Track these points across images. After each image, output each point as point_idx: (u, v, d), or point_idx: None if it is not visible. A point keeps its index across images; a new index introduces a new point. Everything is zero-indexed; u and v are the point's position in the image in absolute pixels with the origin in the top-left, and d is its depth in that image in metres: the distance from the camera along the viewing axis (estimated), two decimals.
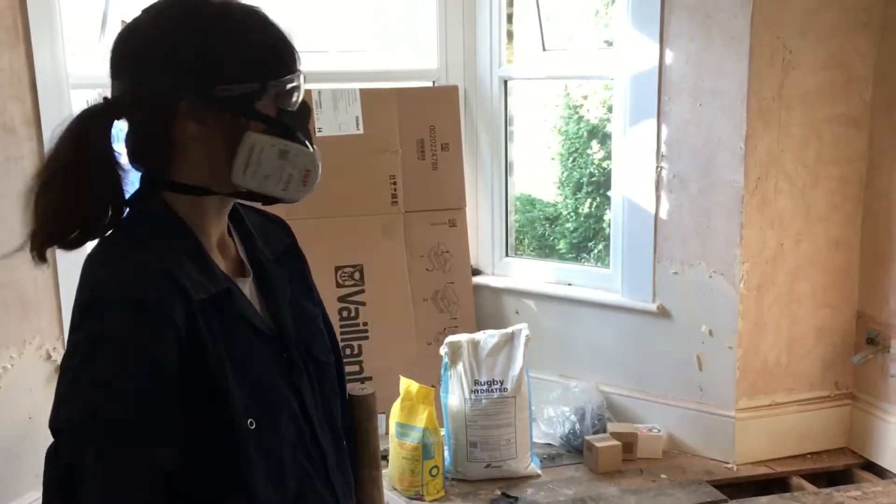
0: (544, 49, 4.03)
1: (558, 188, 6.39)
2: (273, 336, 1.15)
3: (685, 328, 3.42)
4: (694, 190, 3.32)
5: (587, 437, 3.39)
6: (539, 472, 3.29)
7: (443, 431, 3.21)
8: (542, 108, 6.28)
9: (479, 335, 3.33)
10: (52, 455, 1.03)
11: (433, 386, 3.25)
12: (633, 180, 3.48)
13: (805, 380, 3.46)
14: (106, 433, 0.96)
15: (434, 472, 3.08)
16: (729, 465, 3.36)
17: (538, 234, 6.53)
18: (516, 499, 3.10)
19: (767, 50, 3.15)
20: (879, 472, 3.34)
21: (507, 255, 4.00)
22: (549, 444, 3.54)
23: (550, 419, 3.56)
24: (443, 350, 3.27)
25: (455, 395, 3.24)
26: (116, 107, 1.07)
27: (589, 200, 6.07)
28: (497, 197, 3.95)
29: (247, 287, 1.17)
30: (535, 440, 3.40)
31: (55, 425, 1.01)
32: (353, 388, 1.29)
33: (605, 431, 3.45)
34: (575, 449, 3.46)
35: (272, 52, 1.10)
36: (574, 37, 5.38)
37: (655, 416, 3.53)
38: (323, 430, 1.19)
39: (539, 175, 6.46)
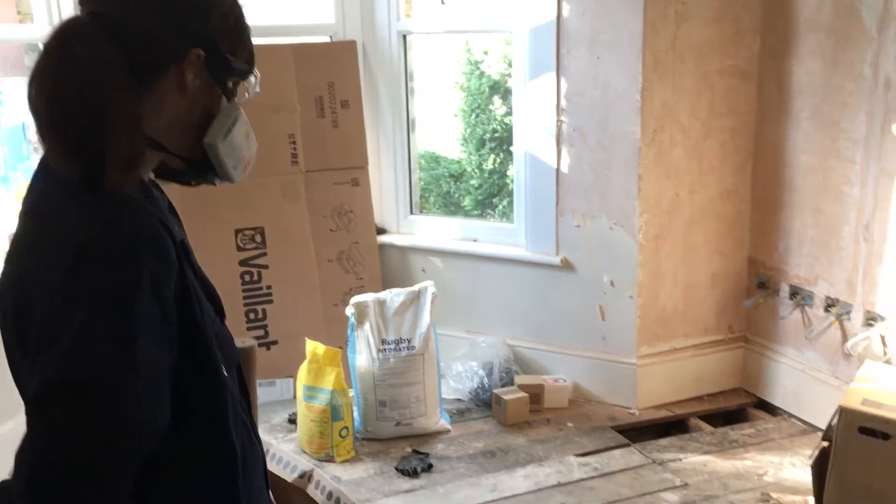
0: (443, 2, 3.99)
1: (462, 145, 6.40)
2: (208, 287, 1.20)
3: (588, 280, 3.49)
4: (593, 143, 3.36)
5: (495, 391, 3.43)
6: (449, 427, 3.32)
7: (351, 392, 3.19)
8: (444, 64, 6.24)
9: (385, 294, 3.31)
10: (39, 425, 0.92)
11: (340, 347, 3.21)
12: (535, 135, 3.49)
13: (701, 325, 3.59)
14: (134, 376, 0.92)
15: (344, 433, 3.07)
16: (631, 411, 3.47)
17: (443, 191, 6.53)
18: (427, 455, 3.12)
19: (661, 2, 3.19)
20: (771, 409, 3.51)
21: (411, 212, 3.98)
22: (459, 399, 3.57)
23: (459, 375, 3.59)
24: (349, 310, 3.24)
25: (363, 356, 3.22)
26: (110, 27, 1.01)
27: (493, 156, 6.10)
28: (400, 154, 3.91)
29: None
30: (444, 396, 3.43)
31: (68, 377, 0.90)
32: (236, 341, 1.32)
33: (512, 384, 3.50)
34: (484, 403, 3.50)
35: (241, 31, 1.17)
36: None
37: (561, 367, 3.61)
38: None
39: (442, 132, 6.45)
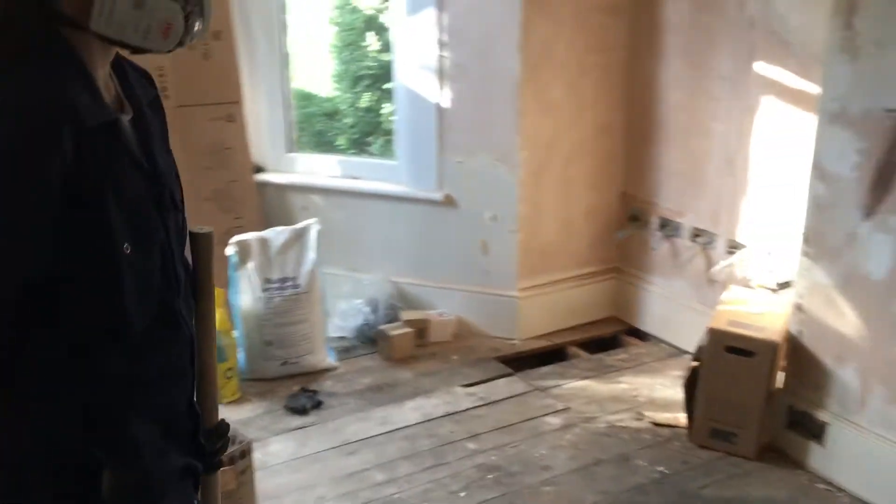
0: None
1: (335, 82, 6.25)
2: (149, 174, 1.17)
3: (470, 216, 3.54)
4: (475, 79, 3.37)
5: (381, 328, 3.46)
6: (336, 364, 3.33)
7: (235, 333, 3.13)
8: None
9: (268, 233, 3.24)
10: None
11: (221, 288, 3.13)
12: (416, 71, 3.47)
13: (577, 257, 3.72)
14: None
15: (229, 374, 3.02)
16: (513, 342, 3.58)
17: (316, 130, 6.39)
18: (316, 392, 3.11)
19: None
20: (642, 335, 3.71)
21: (289, 150, 3.88)
22: (344, 337, 3.57)
23: (344, 313, 3.59)
24: (230, 250, 3.15)
25: (246, 295, 3.15)
26: None
27: (368, 94, 6.00)
28: (275, 90, 3.79)
29: (126, 123, 1.16)
30: (329, 334, 3.42)
31: None
32: (192, 228, 1.33)
33: (397, 321, 3.53)
34: (369, 340, 3.52)
35: None
36: None
37: (445, 301, 3.66)
38: (178, 263, 1.24)
39: (314, 69, 6.28)
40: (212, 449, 1.34)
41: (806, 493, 2.60)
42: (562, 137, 3.51)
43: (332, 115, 6.28)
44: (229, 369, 3.01)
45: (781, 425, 2.78)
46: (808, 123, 2.77)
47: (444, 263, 3.63)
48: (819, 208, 2.59)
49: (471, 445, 2.82)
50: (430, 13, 3.35)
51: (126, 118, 1.17)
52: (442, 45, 3.37)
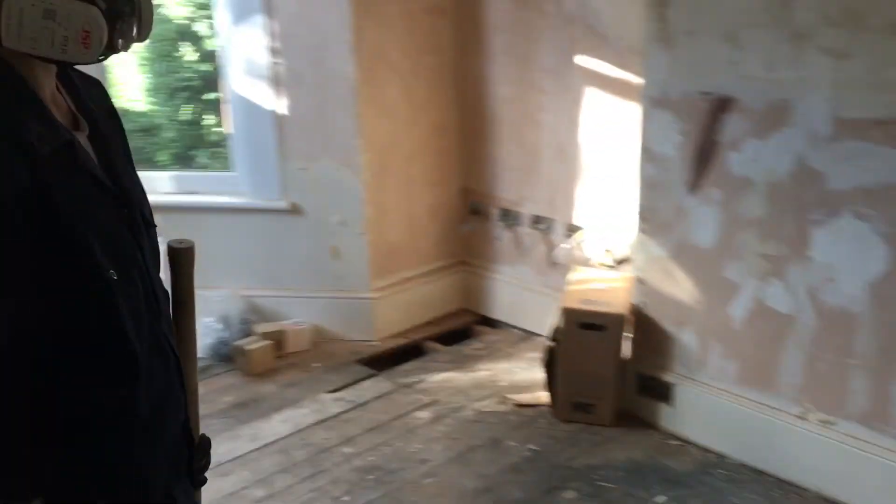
0: None
1: (150, 96, 5.99)
2: (115, 192, 1.10)
3: (317, 222, 3.52)
4: (311, 84, 3.36)
5: (236, 343, 3.37)
6: None
7: None
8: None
9: None
10: None
11: None
12: (248, 79, 3.41)
13: (424, 254, 3.80)
14: None
15: None
16: (372, 343, 3.61)
17: (135, 147, 6.10)
18: None
19: None
20: (493, 323, 3.84)
21: None
22: (198, 357, 3.44)
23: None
24: None
25: None
26: None
27: (188, 107, 5.80)
28: None
29: (83, 141, 1.09)
30: None
31: None
32: (170, 243, 1.26)
33: (252, 334, 3.46)
34: (226, 357, 3.42)
35: None
36: None
37: (299, 310, 3.62)
38: (157, 285, 1.17)
39: (125, 84, 5.99)
40: (197, 466, 1.29)
41: (661, 451, 2.82)
42: (400, 138, 3.57)
43: (148, 130, 6.01)
44: None
45: (633, 391, 2.99)
46: (630, 110, 2.99)
47: (294, 272, 3.59)
48: (650, 187, 2.81)
49: (346, 450, 2.82)
50: (258, 20, 3.30)
51: (82, 135, 1.08)
52: (274, 51, 3.34)
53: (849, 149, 2.30)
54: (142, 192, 1.21)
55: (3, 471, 1.00)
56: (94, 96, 1.18)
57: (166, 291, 1.26)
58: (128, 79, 5.88)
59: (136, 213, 1.14)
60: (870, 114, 2.24)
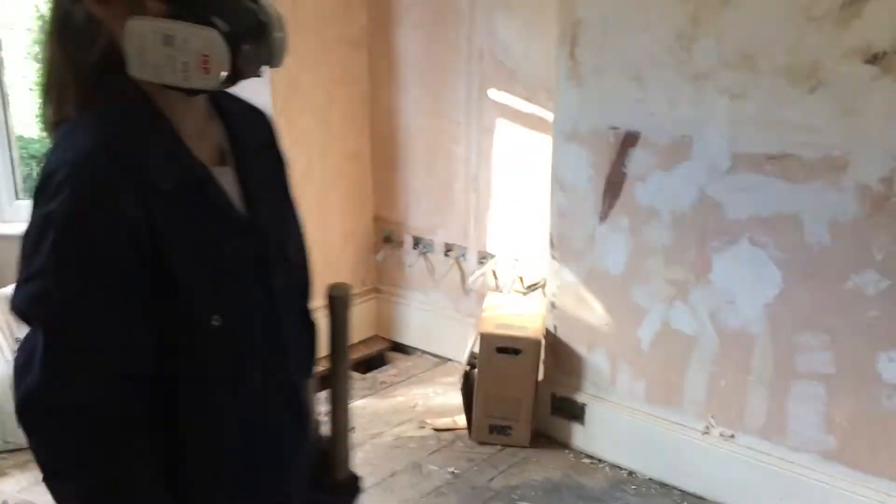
0: None
1: (42, 122, 5.79)
2: (248, 230, 1.06)
3: None
4: None
5: None
6: None
7: None
8: (10, 32, 5.56)
9: (9, 289, 2.94)
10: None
11: None
12: None
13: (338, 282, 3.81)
14: (51, 316, 0.93)
15: None
16: None
17: (24, 174, 5.86)
18: None
19: None
20: (405, 349, 3.89)
21: (17, 196, 3.56)
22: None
23: None
24: None
25: None
26: None
27: None
28: None
29: (226, 176, 1.06)
30: None
31: (14, 304, 0.96)
32: (328, 287, 1.23)
33: None
34: None
35: None
36: None
37: None
38: (288, 326, 1.13)
39: (16, 109, 5.77)
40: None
41: (576, 469, 2.93)
42: (315, 167, 3.59)
43: (40, 157, 5.80)
44: None
45: (548, 412, 3.10)
46: (540, 141, 3.13)
47: None
48: (561, 216, 2.94)
49: None
50: None
51: (224, 170, 1.06)
52: None
53: (745, 181, 2.49)
54: (286, 229, 1.17)
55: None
56: (254, 126, 1.17)
57: (309, 335, 1.24)
58: (21, 103, 5.68)
59: (268, 249, 1.09)
60: (763, 149, 2.43)
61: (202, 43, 0.92)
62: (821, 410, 2.46)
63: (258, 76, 0.99)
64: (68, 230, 0.92)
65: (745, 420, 2.64)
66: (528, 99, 3.25)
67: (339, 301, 1.25)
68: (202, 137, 1.06)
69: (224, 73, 0.94)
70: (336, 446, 1.29)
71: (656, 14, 2.57)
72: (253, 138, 1.15)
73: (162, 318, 0.98)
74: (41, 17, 5.55)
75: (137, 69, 0.95)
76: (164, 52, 0.93)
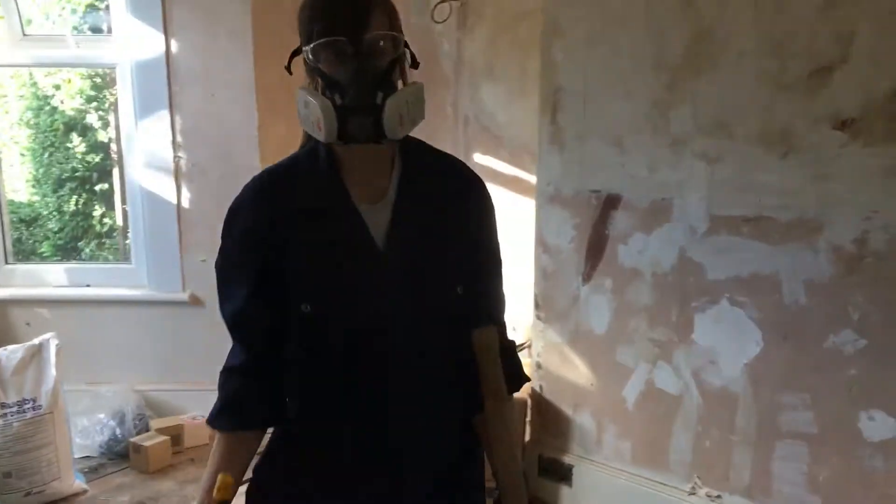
0: (24, 34, 3.67)
1: (34, 186, 5.85)
2: (372, 254, 1.30)
3: (218, 313, 3.49)
4: (215, 177, 3.41)
5: (132, 440, 3.27)
6: (86, 486, 3.08)
7: None
8: (3, 100, 5.66)
9: (10, 348, 2.95)
10: None
11: None
12: (151, 172, 3.42)
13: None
14: (217, 275, 1.38)
15: None
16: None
17: (14, 238, 5.89)
18: None
19: (267, 42, 3.38)
20: None
21: (7, 261, 3.59)
22: (88, 455, 3.32)
23: (85, 430, 3.34)
24: None
25: None
26: None
27: (75, 197, 5.68)
28: None
29: (378, 212, 1.32)
30: (74, 455, 3.17)
31: None
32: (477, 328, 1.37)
33: (148, 430, 3.37)
34: (118, 455, 3.31)
35: (309, 22, 1.27)
36: (55, 23, 4.95)
37: (197, 403, 3.55)
38: (403, 344, 1.32)
39: (7, 173, 5.82)
40: None
41: None
42: None
43: (30, 221, 5.84)
44: None
45: (535, 474, 3.09)
46: (524, 204, 3.19)
47: (193, 364, 3.54)
48: (545, 277, 2.99)
49: None
50: (163, 115, 3.35)
51: (372, 207, 1.31)
52: (177, 145, 3.38)
53: (723, 242, 2.55)
54: (444, 262, 1.35)
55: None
56: (444, 179, 1.39)
57: (435, 360, 1.36)
58: (10, 169, 5.73)
59: (396, 276, 1.31)
60: (740, 212, 2.50)
61: (318, 111, 1.22)
62: (804, 471, 2.48)
63: (377, 143, 1.24)
64: (223, 230, 1.36)
65: (730, 480, 2.65)
66: (512, 163, 3.33)
67: (477, 335, 1.38)
68: (366, 179, 1.33)
69: (333, 134, 1.22)
70: (503, 475, 1.39)
71: (634, 83, 2.66)
72: (431, 188, 1.36)
73: (274, 301, 1.31)
74: (34, 84, 5.66)
75: (301, 122, 1.30)
76: (304, 112, 1.27)
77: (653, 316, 2.74)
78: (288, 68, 1.35)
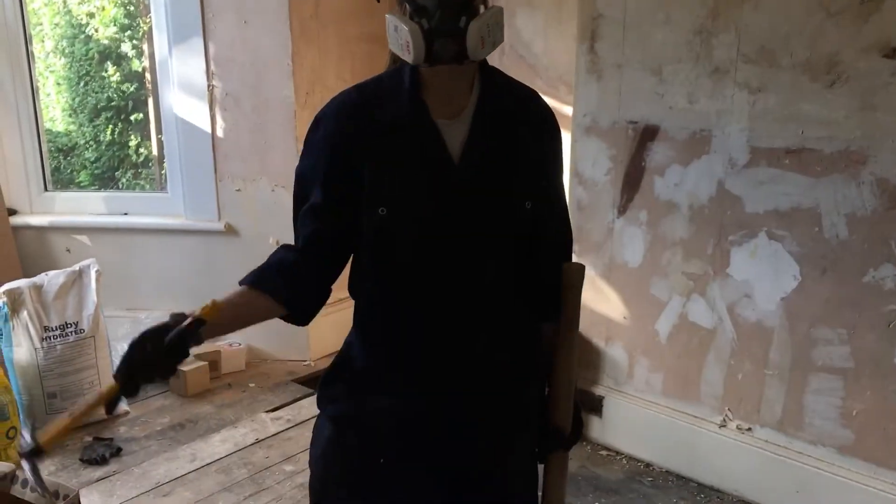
0: None
1: (70, 116, 5.88)
2: (446, 165, 1.37)
3: (253, 243, 3.55)
4: (248, 108, 3.40)
5: None
6: (127, 408, 3.18)
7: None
8: (38, 29, 5.65)
9: (40, 278, 3.02)
10: None
11: None
12: (186, 101, 3.42)
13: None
14: (296, 177, 1.43)
15: (11, 433, 2.77)
16: (307, 363, 3.64)
17: (52, 167, 5.96)
18: (112, 440, 2.96)
19: None
20: None
21: (46, 189, 3.64)
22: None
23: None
24: None
25: (23, 348, 2.92)
26: None
27: (111, 126, 5.71)
28: (26, 126, 3.54)
29: (453, 128, 1.38)
30: None
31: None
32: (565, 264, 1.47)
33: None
34: None
35: None
36: None
37: None
38: (480, 257, 1.39)
39: (43, 102, 5.86)
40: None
41: (593, 461, 2.95)
42: None
43: (68, 150, 5.89)
44: (12, 428, 2.77)
45: None
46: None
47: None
48: (580, 209, 2.96)
49: (288, 467, 2.85)
50: (197, 42, 3.33)
51: (448, 123, 1.37)
52: (211, 74, 3.37)
53: (763, 175, 2.50)
54: (504, 181, 1.40)
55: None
56: (517, 103, 1.44)
57: (501, 272, 1.42)
58: (47, 98, 5.76)
59: (466, 187, 1.37)
60: (781, 143, 2.44)
61: (405, 34, 1.29)
62: (838, 405, 2.47)
63: (459, 63, 1.30)
64: (306, 137, 1.41)
65: (762, 413, 2.65)
66: (548, 93, 3.27)
67: (566, 272, 1.47)
68: (447, 97, 1.38)
69: (421, 56, 1.28)
70: (556, 394, 1.46)
71: (676, 9, 2.58)
72: (507, 109, 1.42)
73: (349, 203, 1.37)
74: (68, 12, 5.65)
75: (390, 45, 1.35)
76: (394, 36, 1.33)
77: (688, 249, 2.71)
78: None
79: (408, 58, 1.31)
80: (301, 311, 1.47)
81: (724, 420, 2.74)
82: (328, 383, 1.56)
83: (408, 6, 1.33)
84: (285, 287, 1.42)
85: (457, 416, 1.43)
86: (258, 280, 1.43)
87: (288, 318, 1.47)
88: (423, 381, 1.43)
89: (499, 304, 1.45)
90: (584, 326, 3.03)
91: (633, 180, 2.80)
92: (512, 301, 1.46)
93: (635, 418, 2.96)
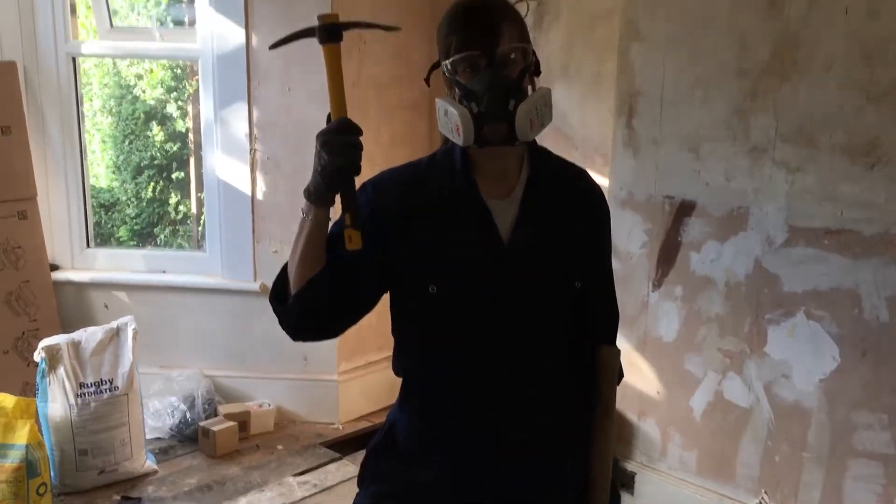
0: (112, 24, 3.79)
1: (114, 173, 6.04)
2: (497, 245, 1.40)
3: None
4: (288, 170, 3.47)
5: (201, 423, 3.36)
6: (156, 467, 3.18)
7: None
8: (87, 88, 5.85)
9: (78, 334, 3.06)
10: None
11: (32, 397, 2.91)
12: (228, 163, 3.50)
13: (390, 338, 3.85)
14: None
15: (42, 490, 2.78)
16: (335, 426, 3.63)
17: (94, 222, 6.10)
18: (139, 499, 2.96)
19: (346, 41, 3.41)
20: None
21: (88, 245, 3.71)
22: (159, 437, 3.42)
23: (157, 412, 3.44)
24: (38, 356, 2.94)
25: (57, 403, 2.94)
26: None
27: (152, 184, 5.85)
28: (73, 183, 3.63)
29: (504, 207, 1.43)
30: (146, 437, 3.27)
31: None
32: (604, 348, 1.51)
33: (216, 415, 3.45)
34: (187, 438, 3.40)
35: (447, 38, 1.40)
36: (140, 14, 5.11)
37: (264, 391, 3.64)
38: (518, 330, 1.41)
39: (90, 160, 6.03)
40: None
41: None
42: None
43: (109, 206, 6.04)
44: (42, 484, 2.78)
45: None
46: None
47: (260, 353, 3.62)
48: (616, 281, 2.95)
49: None
50: (241, 107, 3.42)
51: (498, 202, 1.42)
52: (254, 138, 3.45)
53: (801, 254, 2.48)
54: (561, 259, 1.44)
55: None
56: (566, 182, 1.51)
57: (549, 351, 1.46)
58: (92, 155, 5.92)
59: (510, 265, 1.41)
60: (820, 223, 2.43)
61: (455, 118, 1.34)
62: (878, 491, 2.40)
63: (509, 145, 1.34)
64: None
65: (799, 498, 2.58)
66: (584, 164, 3.28)
67: (601, 353, 1.50)
68: (497, 177, 1.43)
69: (470, 139, 1.33)
70: (594, 475, 1.49)
71: (714, 89, 2.61)
72: (556, 189, 1.47)
73: (401, 280, 1.44)
74: (118, 74, 5.84)
75: (440, 128, 1.41)
76: (444, 120, 1.38)
77: (724, 326, 2.69)
78: (427, 80, 1.49)
79: (458, 141, 1.34)
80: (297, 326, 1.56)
81: (761, 503, 2.67)
82: (372, 461, 1.55)
83: (457, 90, 1.36)
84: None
85: (503, 496, 1.44)
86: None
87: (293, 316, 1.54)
88: (469, 461, 1.43)
89: (548, 385, 1.45)
90: (617, 401, 2.99)
91: (668, 254, 2.80)
92: (562, 381, 1.47)
93: (668, 496, 2.89)
